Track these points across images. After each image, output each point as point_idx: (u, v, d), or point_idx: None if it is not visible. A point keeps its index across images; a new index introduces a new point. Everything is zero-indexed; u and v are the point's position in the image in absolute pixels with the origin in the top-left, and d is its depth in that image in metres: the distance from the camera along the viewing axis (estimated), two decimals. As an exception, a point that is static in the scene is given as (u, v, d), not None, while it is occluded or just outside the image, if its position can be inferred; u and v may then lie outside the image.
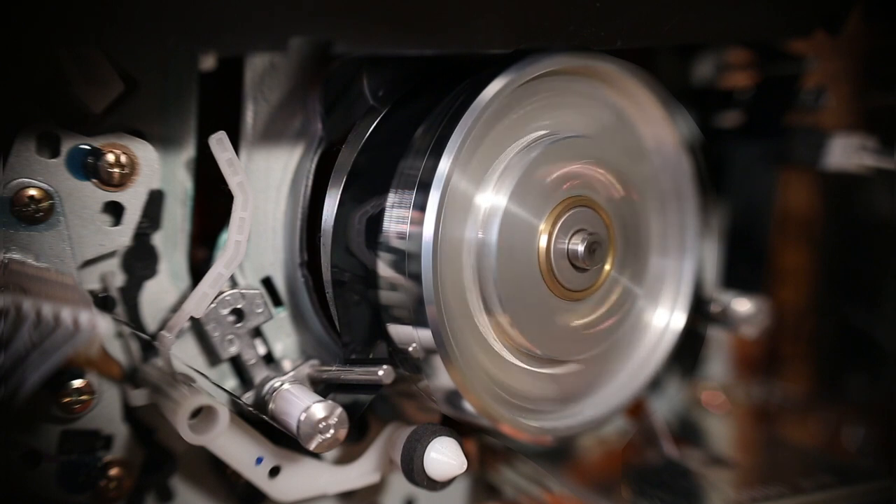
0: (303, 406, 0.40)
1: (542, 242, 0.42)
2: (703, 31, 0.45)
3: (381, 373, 0.40)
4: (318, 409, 0.40)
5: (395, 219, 0.40)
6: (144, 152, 0.40)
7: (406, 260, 0.40)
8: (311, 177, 0.43)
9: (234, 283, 0.43)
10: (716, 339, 0.58)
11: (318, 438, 0.40)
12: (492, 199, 0.42)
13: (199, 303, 0.41)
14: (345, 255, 0.42)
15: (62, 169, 0.39)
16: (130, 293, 0.42)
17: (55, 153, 0.39)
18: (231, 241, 0.41)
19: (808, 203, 0.67)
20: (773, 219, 0.56)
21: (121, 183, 0.40)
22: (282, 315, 0.44)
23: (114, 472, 0.42)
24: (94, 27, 0.33)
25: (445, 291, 0.40)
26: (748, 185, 0.55)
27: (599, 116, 0.45)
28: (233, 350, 0.43)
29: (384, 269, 0.41)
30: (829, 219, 0.67)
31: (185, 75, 0.41)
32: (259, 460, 0.42)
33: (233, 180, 0.41)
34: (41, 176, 0.39)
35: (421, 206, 0.40)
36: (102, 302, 0.41)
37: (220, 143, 0.40)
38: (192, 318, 0.41)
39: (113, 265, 0.41)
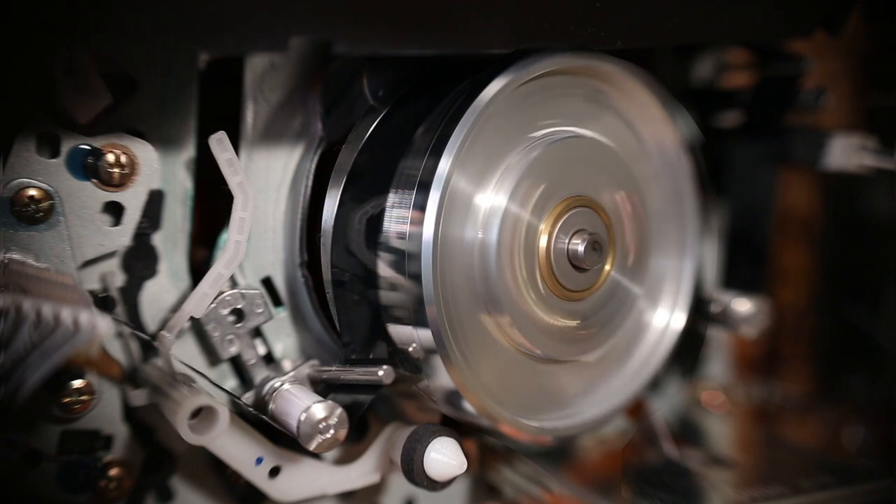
0: (303, 406, 0.40)
1: (542, 242, 0.42)
2: (703, 31, 0.45)
3: (381, 373, 0.40)
4: (318, 409, 0.40)
5: (395, 219, 0.40)
6: (144, 152, 0.40)
7: (406, 260, 0.40)
8: (311, 177, 0.43)
9: (234, 283, 0.43)
10: (716, 339, 0.58)
11: (318, 438, 0.40)
12: (492, 199, 0.42)
13: (199, 303, 0.41)
14: (345, 255, 0.42)
15: (62, 169, 0.39)
16: (130, 293, 0.42)
17: (55, 153, 0.39)
18: (231, 241, 0.41)
19: (808, 203, 0.67)
20: (773, 219, 0.56)
21: (121, 183, 0.40)
22: (282, 315, 0.44)
23: (114, 472, 0.42)
24: (95, 27, 0.33)
25: (445, 291, 0.40)
26: (748, 185, 0.55)
27: (599, 116, 0.45)
28: (233, 350, 0.43)
29: (384, 269, 0.41)
30: (829, 219, 0.67)
31: (185, 75, 0.41)
32: (259, 460, 0.42)
33: (233, 180, 0.41)
34: (41, 176, 0.39)
35: (421, 206, 0.40)
36: (102, 302, 0.41)
37: (220, 143, 0.40)
38: (192, 318, 0.41)
39: (113, 265, 0.41)
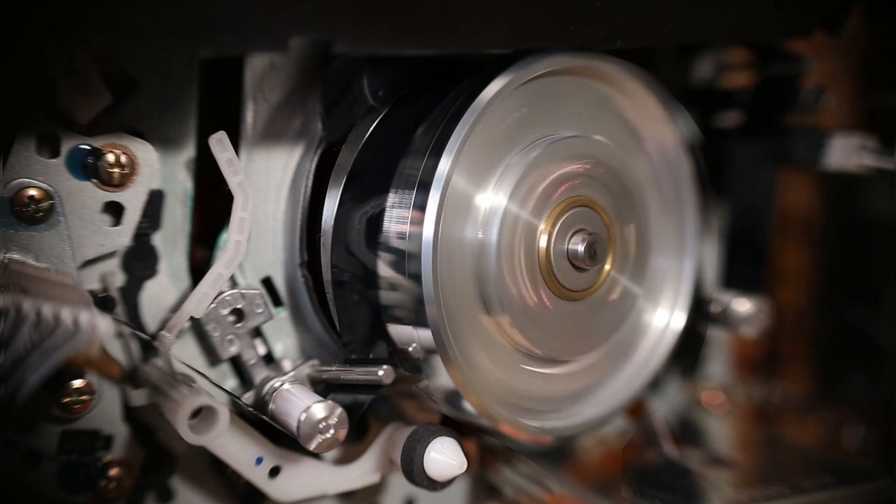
0: (303, 406, 0.40)
1: (542, 242, 0.42)
2: (703, 31, 0.45)
3: (381, 373, 0.40)
4: (318, 409, 0.40)
5: (395, 219, 0.40)
6: (144, 152, 0.40)
7: (406, 260, 0.40)
8: (311, 177, 0.43)
9: (234, 283, 0.43)
10: (716, 339, 0.58)
11: (318, 438, 0.40)
12: (492, 199, 0.42)
13: (199, 303, 0.41)
14: (345, 255, 0.42)
15: (62, 169, 0.39)
16: (130, 293, 0.42)
17: (55, 153, 0.39)
18: (231, 241, 0.41)
19: (808, 203, 0.67)
20: (773, 219, 0.56)
21: (121, 183, 0.40)
22: (282, 315, 0.44)
23: (114, 472, 0.42)
24: (95, 27, 0.33)
25: (445, 291, 0.40)
26: (748, 185, 0.55)
27: (599, 116, 0.45)
28: (233, 350, 0.43)
29: (384, 269, 0.41)
30: (829, 219, 0.68)
31: (185, 75, 0.41)
32: (259, 460, 0.42)
33: (233, 180, 0.41)
34: (41, 176, 0.39)
35: (421, 206, 0.40)
36: (102, 302, 0.41)
37: (220, 143, 0.40)
38: (192, 318, 0.41)
39: (113, 265, 0.41)
